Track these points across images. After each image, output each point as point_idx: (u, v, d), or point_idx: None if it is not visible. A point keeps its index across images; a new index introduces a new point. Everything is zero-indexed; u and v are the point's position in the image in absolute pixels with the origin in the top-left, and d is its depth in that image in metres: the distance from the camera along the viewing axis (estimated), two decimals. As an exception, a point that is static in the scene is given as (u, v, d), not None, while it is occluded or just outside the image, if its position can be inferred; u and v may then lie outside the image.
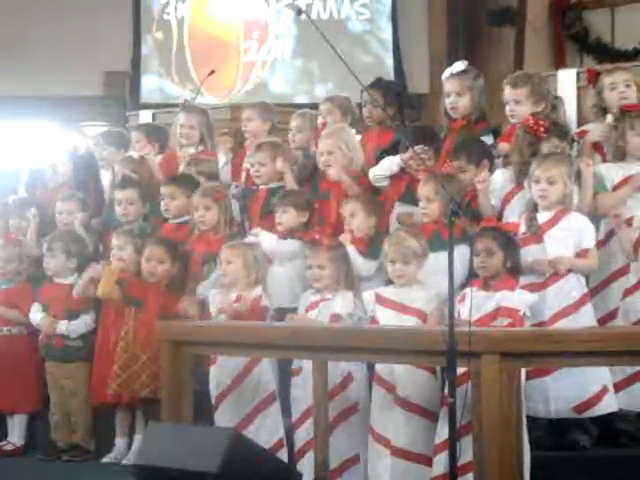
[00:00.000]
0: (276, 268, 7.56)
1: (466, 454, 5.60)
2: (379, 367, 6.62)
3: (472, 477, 5.63)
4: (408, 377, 6.43)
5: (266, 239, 7.56)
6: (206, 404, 7.12)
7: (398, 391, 6.45)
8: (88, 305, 8.03)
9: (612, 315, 6.95)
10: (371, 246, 7.22)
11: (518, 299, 6.38)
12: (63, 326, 7.98)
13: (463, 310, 6.03)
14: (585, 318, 6.62)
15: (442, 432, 5.99)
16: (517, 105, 7.56)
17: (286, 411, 7.05)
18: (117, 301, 7.81)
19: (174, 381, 6.66)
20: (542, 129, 7.19)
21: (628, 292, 6.89)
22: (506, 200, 7.22)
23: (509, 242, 6.54)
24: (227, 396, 7.10)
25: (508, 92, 7.66)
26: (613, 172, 7.25)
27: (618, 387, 6.62)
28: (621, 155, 7.29)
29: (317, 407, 6.37)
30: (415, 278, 6.69)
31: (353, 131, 8.36)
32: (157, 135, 9.29)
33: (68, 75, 15.58)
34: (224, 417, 7.02)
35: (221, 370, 7.12)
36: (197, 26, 16.77)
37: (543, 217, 6.80)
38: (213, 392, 7.15)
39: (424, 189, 7.08)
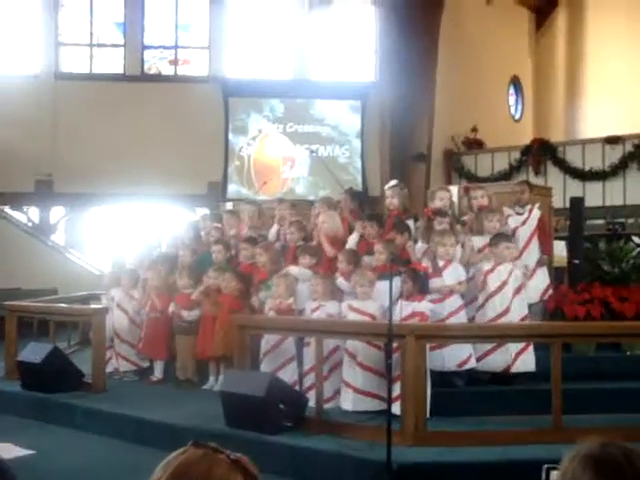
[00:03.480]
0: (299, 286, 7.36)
1: (397, 390, 5.71)
2: (348, 345, 6.58)
3: (400, 403, 5.66)
4: (364, 350, 6.43)
5: (294, 271, 7.41)
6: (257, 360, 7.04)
7: (357, 357, 6.47)
8: (197, 306, 7.98)
9: (473, 318, 6.88)
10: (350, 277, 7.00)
11: (423, 306, 6.44)
12: (185, 314, 7.95)
13: (396, 312, 5.91)
14: (462, 318, 6.70)
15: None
16: (441, 201, 7.61)
17: (300, 365, 6.94)
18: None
19: (240, 347, 6.67)
20: (431, 214, 7.33)
21: (479, 307, 6.91)
22: (423, 254, 7.18)
23: (417, 276, 6.58)
24: (267, 355, 7.00)
25: (440, 194, 7.71)
26: (477, 242, 7.30)
27: (478, 358, 6.64)
28: (480, 232, 7.36)
29: (317, 354, 6.25)
30: (370, 295, 6.67)
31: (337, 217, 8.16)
32: (235, 215, 9.26)
33: (190, 182, 15.78)
34: (266, 367, 6.92)
35: (265, 342, 7.03)
36: (257, 158, 16.93)
37: (440, 263, 6.81)
38: (261, 353, 7.04)
39: (377, 247, 7.01)
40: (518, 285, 6.86)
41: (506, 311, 6.77)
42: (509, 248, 6.93)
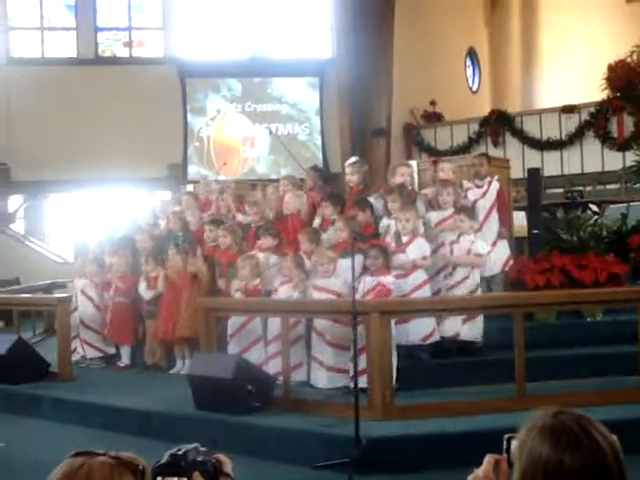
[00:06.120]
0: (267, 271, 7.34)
1: (363, 363, 5.72)
2: (315, 324, 6.62)
3: (367, 376, 5.71)
4: (331, 328, 6.48)
5: (260, 256, 7.37)
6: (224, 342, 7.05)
7: (326, 336, 6.52)
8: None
9: (439, 291, 7.02)
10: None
11: (387, 280, 6.43)
12: (143, 294, 7.97)
13: (359, 288, 6.04)
14: (427, 292, 6.76)
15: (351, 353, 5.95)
16: (402, 176, 7.59)
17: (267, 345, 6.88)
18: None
19: (207, 329, 6.65)
20: (387, 191, 7.37)
21: (446, 276, 6.96)
22: (385, 231, 7.18)
23: (385, 251, 6.61)
24: (234, 336, 7.00)
25: (401, 170, 7.69)
26: (435, 216, 7.34)
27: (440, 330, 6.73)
28: (438, 207, 7.39)
29: (283, 335, 6.32)
30: (333, 272, 6.68)
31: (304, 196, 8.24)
32: (196, 199, 9.22)
33: (149, 166, 15.61)
34: (233, 349, 6.92)
35: (232, 323, 7.01)
36: (217, 139, 16.83)
37: (404, 239, 6.84)
38: (228, 335, 7.03)
39: (337, 224, 7.02)
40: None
41: (465, 279, 6.86)
42: (461, 221, 7.01)
